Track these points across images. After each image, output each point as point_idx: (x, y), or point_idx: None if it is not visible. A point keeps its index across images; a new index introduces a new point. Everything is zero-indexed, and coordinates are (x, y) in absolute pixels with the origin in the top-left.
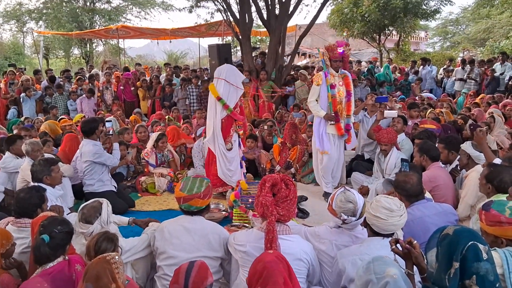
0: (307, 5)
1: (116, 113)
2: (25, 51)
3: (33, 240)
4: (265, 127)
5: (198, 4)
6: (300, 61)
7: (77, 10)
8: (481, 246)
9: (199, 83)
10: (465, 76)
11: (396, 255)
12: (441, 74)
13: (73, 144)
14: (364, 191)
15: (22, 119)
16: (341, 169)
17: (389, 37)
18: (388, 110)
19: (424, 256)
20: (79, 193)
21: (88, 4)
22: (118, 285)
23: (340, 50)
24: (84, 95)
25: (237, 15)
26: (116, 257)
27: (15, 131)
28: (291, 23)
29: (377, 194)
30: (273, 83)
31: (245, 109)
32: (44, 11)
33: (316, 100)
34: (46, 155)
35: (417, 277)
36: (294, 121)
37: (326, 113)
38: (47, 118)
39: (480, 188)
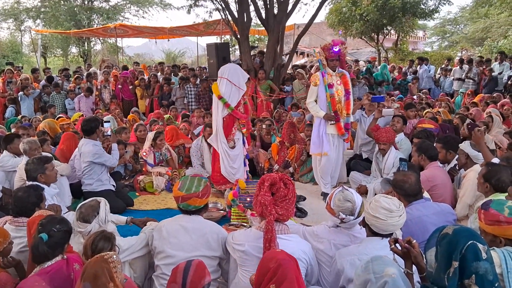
0: (305, 4)
1: (114, 112)
2: (23, 49)
3: (30, 239)
4: (264, 126)
5: (197, 3)
6: (299, 60)
7: (75, 9)
8: (480, 246)
9: (198, 82)
10: (463, 75)
11: (395, 254)
12: (439, 74)
13: (71, 143)
14: (362, 191)
15: (19, 117)
16: (341, 168)
17: (387, 36)
18: (385, 109)
19: (423, 256)
20: (77, 192)
21: (86, 2)
22: (116, 284)
23: (336, 49)
24: (82, 94)
25: (236, 14)
26: (114, 256)
27: (13, 130)
28: (289, 22)
29: (375, 194)
30: (271, 82)
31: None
32: (42, 9)
33: (315, 101)
34: (44, 154)
35: (416, 277)
36: (293, 120)
37: (325, 113)
38: (45, 117)
39: (478, 187)
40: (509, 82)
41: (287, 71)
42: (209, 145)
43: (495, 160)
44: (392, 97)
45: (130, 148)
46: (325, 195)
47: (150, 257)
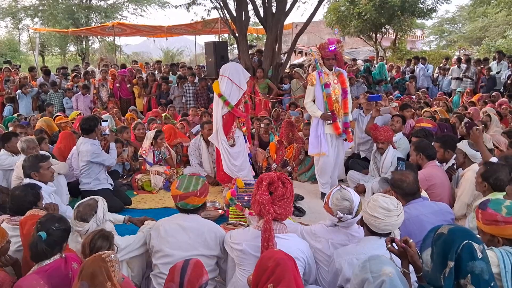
0: (304, 3)
1: (112, 110)
2: (20, 48)
3: (23, 238)
4: (262, 125)
5: (195, 1)
6: (297, 59)
7: (73, 7)
8: (476, 245)
9: (196, 80)
10: (461, 74)
11: (392, 254)
12: (437, 73)
13: (69, 142)
14: (361, 190)
15: (15, 115)
16: (339, 167)
17: (385, 35)
18: (383, 108)
19: (420, 255)
20: (75, 190)
21: (84, 1)
22: (114, 283)
23: (331, 47)
24: (79, 92)
25: (234, 12)
26: (112, 255)
27: (11, 128)
28: (287, 21)
29: (373, 193)
30: (269, 81)
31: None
32: (40, 8)
33: (313, 101)
34: (42, 153)
35: (413, 277)
36: (291, 119)
37: (322, 113)
38: (42, 115)
39: (476, 186)
40: (508, 81)
41: (285, 70)
42: (207, 144)
43: (493, 160)
44: (390, 96)
45: (130, 147)
46: (323, 195)
47: (148, 256)
